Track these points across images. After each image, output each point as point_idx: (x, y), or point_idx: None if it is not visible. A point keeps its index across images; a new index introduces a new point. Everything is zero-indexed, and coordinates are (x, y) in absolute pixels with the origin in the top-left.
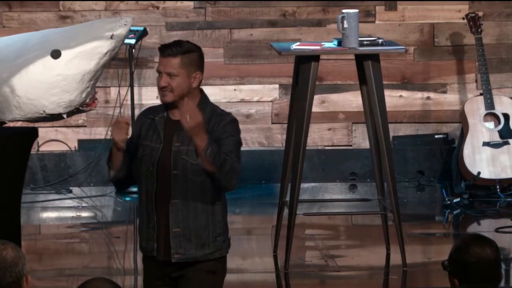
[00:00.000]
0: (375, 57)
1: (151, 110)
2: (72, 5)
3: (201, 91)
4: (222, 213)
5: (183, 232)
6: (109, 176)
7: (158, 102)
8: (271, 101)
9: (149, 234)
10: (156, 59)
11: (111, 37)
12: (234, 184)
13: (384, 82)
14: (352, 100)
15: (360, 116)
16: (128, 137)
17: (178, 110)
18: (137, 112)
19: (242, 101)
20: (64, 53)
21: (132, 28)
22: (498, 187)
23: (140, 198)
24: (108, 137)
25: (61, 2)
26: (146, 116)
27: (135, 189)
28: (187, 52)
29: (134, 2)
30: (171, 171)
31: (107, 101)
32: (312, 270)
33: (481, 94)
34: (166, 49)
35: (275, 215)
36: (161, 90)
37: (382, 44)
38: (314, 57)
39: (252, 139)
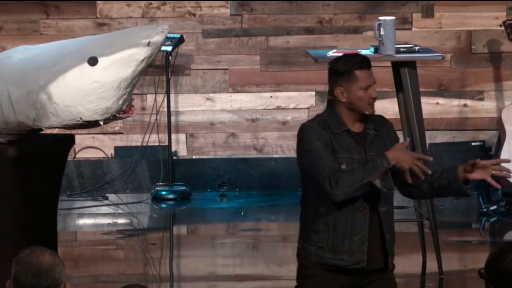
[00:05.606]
0: (411, 64)
1: (326, 125)
2: (109, 12)
3: None
4: None
5: (391, 238)
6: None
7: (195, 108)
8: (307, 108)
9: (353, 246)
10: (193, 66)
11: (148, 44)
12: None
13: (421, 89)
14: (389, 107)
15: (396, 123)
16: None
17: (359, 122)
18: (173, 119)
19: (278, 108)
20: (101, 60)
21: (169, 35)
22: None
23: (332, 212)
24: (144, 144)
25: (98, 9)
26: (329, 131)
27: (171, 196)
28: None
29: (171, 9)
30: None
31: (143, 108)
32: None
33: None
34: (368, 61)
35: None
36: (373, 100)
37: (418, 51)
38: None
39: (288, 146)
